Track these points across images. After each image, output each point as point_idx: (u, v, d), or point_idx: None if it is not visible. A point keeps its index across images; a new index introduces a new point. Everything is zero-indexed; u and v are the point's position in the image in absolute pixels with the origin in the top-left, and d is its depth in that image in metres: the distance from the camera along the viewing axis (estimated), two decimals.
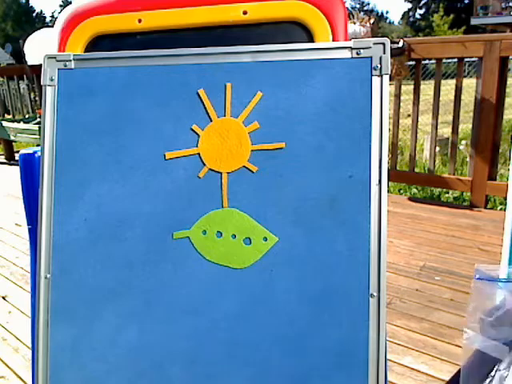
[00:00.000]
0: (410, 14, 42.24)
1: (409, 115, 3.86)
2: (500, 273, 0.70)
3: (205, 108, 0.62)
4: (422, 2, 38.50)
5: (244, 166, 0.61)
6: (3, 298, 2.21)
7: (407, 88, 3.89)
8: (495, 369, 0.63)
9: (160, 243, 0.62)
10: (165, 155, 0.62)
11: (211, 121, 0.62)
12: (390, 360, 1.51)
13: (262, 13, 0.78)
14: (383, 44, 0.59)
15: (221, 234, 0.61)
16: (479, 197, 3.15)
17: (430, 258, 2.19)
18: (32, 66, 5.46)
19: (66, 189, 0.65)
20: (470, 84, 3.76)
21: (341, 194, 0.59)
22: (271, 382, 0.61)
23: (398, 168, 3.71)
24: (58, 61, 0.65)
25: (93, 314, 0.64)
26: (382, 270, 0.58)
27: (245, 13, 0.78)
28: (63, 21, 0.86)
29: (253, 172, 0.61)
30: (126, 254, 0.63)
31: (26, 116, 6.17)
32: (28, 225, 0.82)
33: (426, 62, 4.15)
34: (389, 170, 3.30)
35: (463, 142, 4.28)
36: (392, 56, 2.79)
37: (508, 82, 2.97)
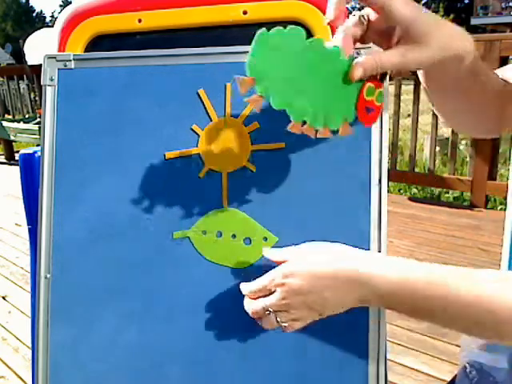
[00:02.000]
0: None
1: (409, 115, 3.85)
2: None
3: (205, 108, 0.62)
4: (422, 2, 38.59)
5: (244, 166, 0.61)
6: (3, 297, 2.21)
7: (407, 88, 3.89)
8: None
9: (160, 243, 0.62)
10: (165, 155, 0.62)
11: (211, 121, 0.62)
12: (389, 360, 1.51)
13: (261, 13, 0.78)
14: None
15: (221, 234, 0.61)
16: (479, 197, 3.15)
17: (430, 258, 2.19)
18: (32, 66, 5.46)
19: (65, 189, 0.65)
20: None
21: (341, 194, 0.59)
22: (271, 381, 0.61)
23: (398, 168, 3.71)
24: (57, 61, 0.65)
25: (93, 313, 0.64)
26: None
27: (245, 13, 0.78)
28: (63, 21, 0.86)
29: (253, 172, 0.61)
30: (126, 254, 0.63)
31: (26, 116, 6.17)
32: (28, 225, 0.82)
33: None
34: (389, 170, 3.30)
35: (463, 141, 4.28)
36: None
37: None
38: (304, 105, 0.51)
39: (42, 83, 0.65)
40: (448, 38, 0.49)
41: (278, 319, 0.48)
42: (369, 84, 0.53)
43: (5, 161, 5.79)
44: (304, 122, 0.51)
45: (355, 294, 0.45)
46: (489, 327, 0.43)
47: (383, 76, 0.54)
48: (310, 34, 0.72)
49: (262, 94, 0.49)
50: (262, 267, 0.54)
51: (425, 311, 0.45)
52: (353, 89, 0.53)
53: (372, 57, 0.50)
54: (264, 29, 0.48)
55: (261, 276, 0.50)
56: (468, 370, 0.66)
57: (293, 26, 0.49)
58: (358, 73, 0.50)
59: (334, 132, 0.53)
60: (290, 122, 0.51)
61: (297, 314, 0.47)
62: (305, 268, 0.47)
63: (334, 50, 0.51)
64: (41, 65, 0.65)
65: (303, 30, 0.50)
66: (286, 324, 0.48)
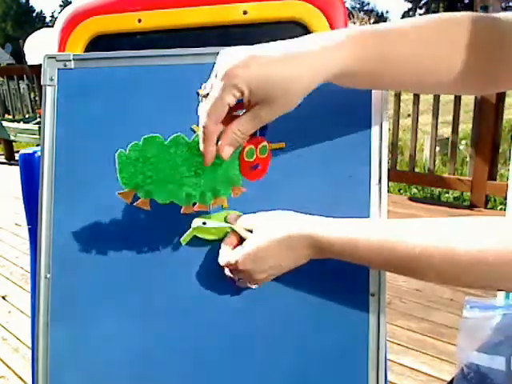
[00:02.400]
0: (410, 13, 42.22)
1: (409, 115, 3.86)
2: (497, 301, 0.69)
3: None
4: (422, 2, 38.49)
5: None
6: (3, 297, 2.21)
7: None
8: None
9: (160, 243, 0.62)
10: None
11: None
12: (390, 360, 1.52)
13: (261, 13, 0.78)
14: None
15: None
16: (479, 197, 3.15)
17: None
18: (32, 66, 5.46)
19: (66, 188, 0.65)
20: None
21: (341, 194, 0.59)
22: (270, 381, 0.61)
23: (398, 168, 3.71)
24: (57, 61, 0.65)
25: (93, 313, 0.64)
26: None
27: (245, 13, 0.79)
28: (63, 21, 0.86)
29: None
30: (126, 253, 0.63)
31: (26, 116, 6.17)
32: (28, 225, 0.82)
33: None
34: (389, 170, 3.30)
35: (463, 141, 4.28)
36: None
37: None
38: (188, 190, 0.55)
39: (41, 83, 0.65)
40: (295, 78, 0.46)
41: (249, 285, 0.56)
42: (247, 148, 0.54)
43: (5, 161, 5.79)
44: (194, 203, 0.55)
45: (307, 252, 0.51)
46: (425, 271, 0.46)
47: (263, 128, 0.52)
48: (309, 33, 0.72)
49: (146, 198, 0.55)
50: None
51: (365, 264, 0.51)
52: (231, 160, 0.53)
53: (230, 132, 0.50)
54: (121, 150, 0.53)
55: None
56: (466, 372, 0.66)
57: (146, 136, 0.54)
58: (225, 154, 0.51)
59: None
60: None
61: (261, 276, 0.55)
62: (260, 246, 0.52)
63: (196, 139, 0.53)
64: (41, 65, 0.65)
65: (158, 136, 0.54)
66: (258, 285, 0.56)
